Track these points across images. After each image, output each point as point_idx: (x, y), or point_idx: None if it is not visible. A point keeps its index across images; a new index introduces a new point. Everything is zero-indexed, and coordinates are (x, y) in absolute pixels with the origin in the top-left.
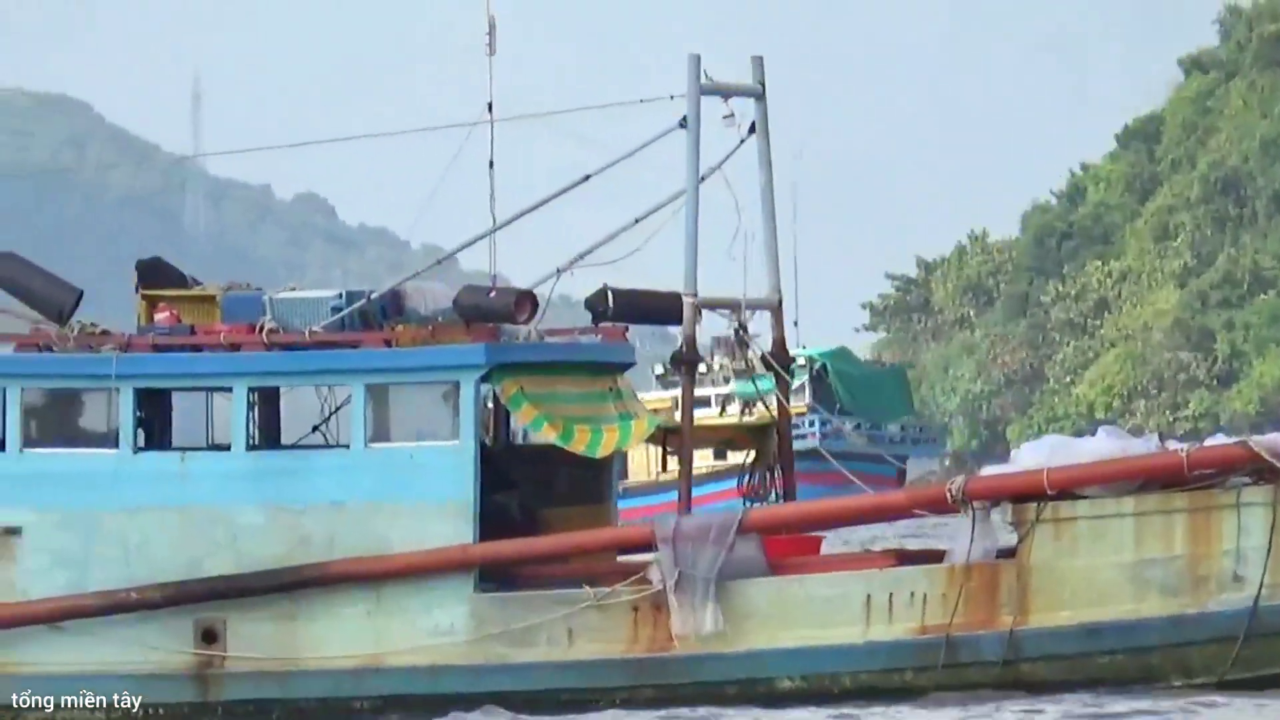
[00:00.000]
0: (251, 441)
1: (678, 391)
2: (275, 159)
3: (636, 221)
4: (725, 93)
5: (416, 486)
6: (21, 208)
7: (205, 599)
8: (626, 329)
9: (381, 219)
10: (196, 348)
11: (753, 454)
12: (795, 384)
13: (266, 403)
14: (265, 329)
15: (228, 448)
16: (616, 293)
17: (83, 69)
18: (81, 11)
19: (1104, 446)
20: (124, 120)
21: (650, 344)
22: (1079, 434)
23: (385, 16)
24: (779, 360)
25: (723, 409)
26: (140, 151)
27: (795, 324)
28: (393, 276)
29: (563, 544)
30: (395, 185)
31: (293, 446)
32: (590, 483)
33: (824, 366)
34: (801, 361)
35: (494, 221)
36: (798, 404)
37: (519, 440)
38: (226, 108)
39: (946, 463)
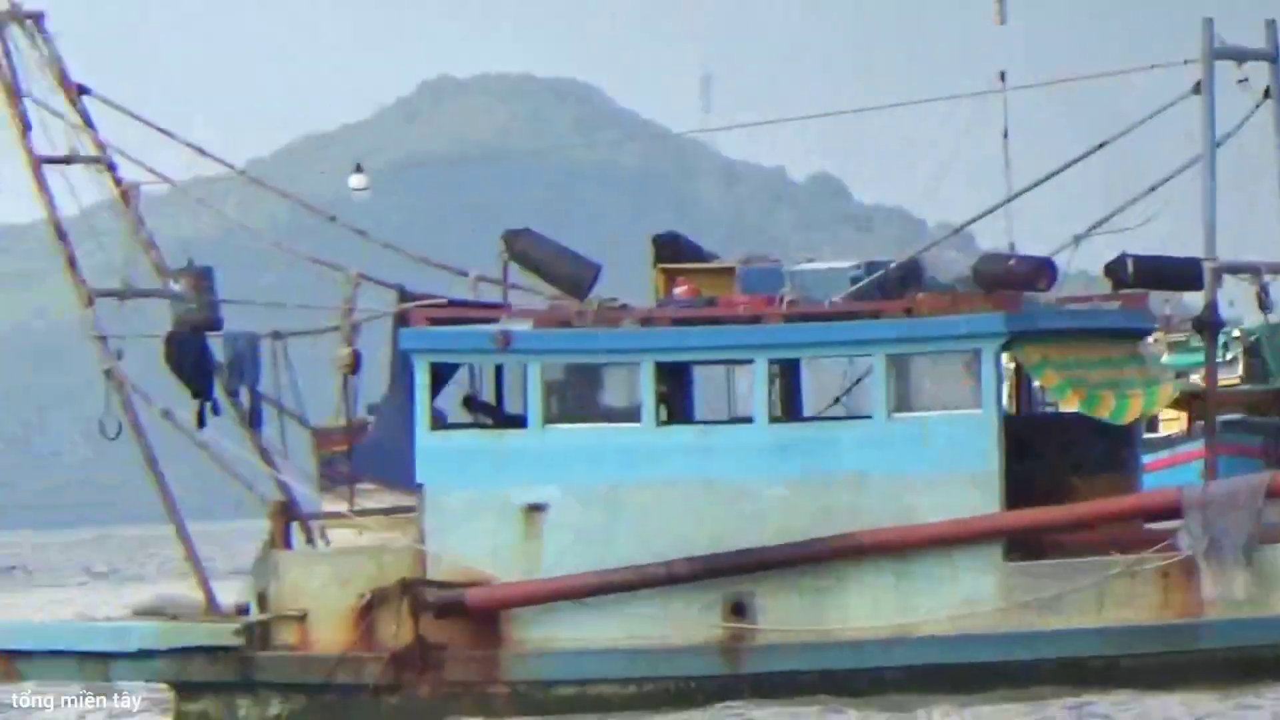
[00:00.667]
0: (773, 414)
1: None
2: (789, 141)
3: (1152, 189)
4: (1239, 56)
5: (940, 456)
6: (536, 191)
7: (733, 572)
8: (1146, 295)
9: (896, 198)
10: (716, 320)
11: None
12: (1228, 356)
13: (787, 375)
14: (785, 300)
15: (749, 420)
16: (1136, 259)
17: (590, 53)
18: None
19: None
20: (634, 103)
21: None
22: None
23: None
24: None
25: None
26: (651, 134)
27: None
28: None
29: (1090, 512)
30: (908, 162)
31: (815, 419)
32: (1114, 450)
33: (1258, 340)
34: (1237, 334)
35: (1009, 191)
36: (1230, 376)
37: (1040, 408)
38: (737, 90)
39: None
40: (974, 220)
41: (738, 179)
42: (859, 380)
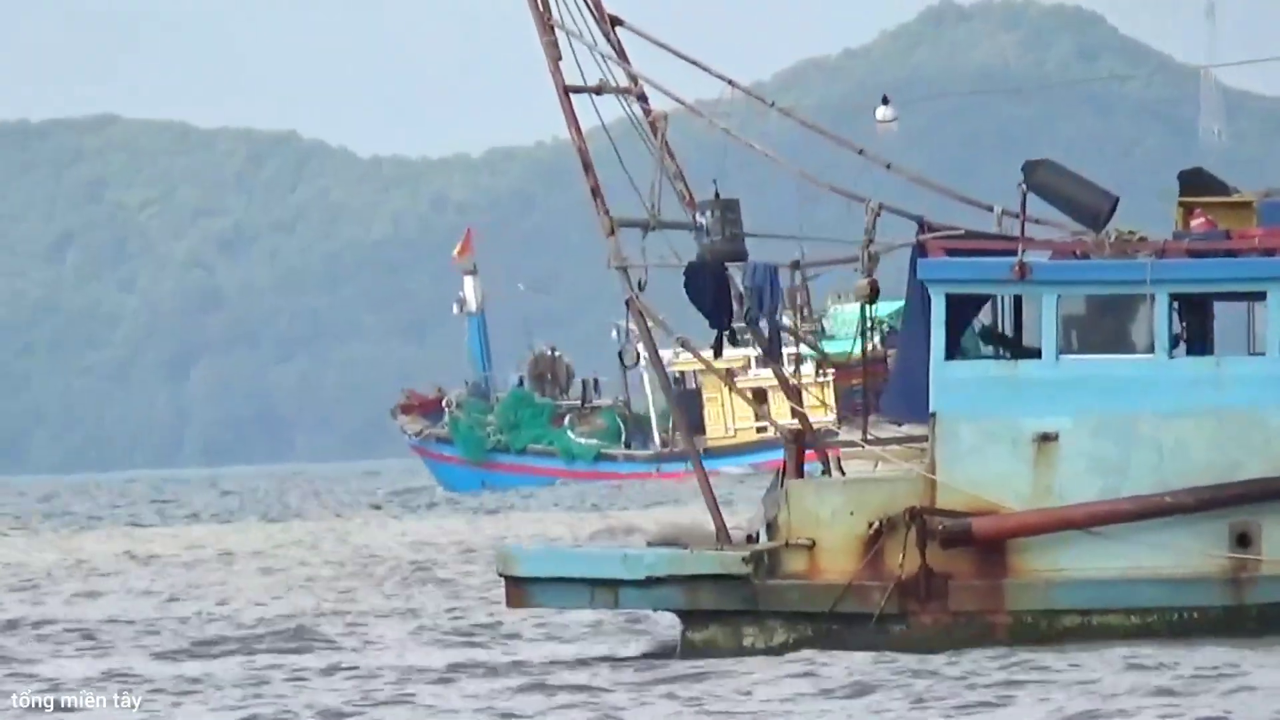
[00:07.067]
0: None
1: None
2: None
3: None
4: None
5: None
6: (1035, 121)
7: (1240, 502)
8: None
9: None
10: (1232, 253)
11: None
12: None
13: None
14: None
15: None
16: None
17: None
18: None
19: None
20: (1137, 31)
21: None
22: None
23: None
24: None
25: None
26: (1154, 63)
27: None
28: None
29: None
30: None
31: None
32: None
33: None
34: None
35: None
36: None
37: None
38: (1242, 20)
39: None
40: None
41: (1239, 108)
42: None
